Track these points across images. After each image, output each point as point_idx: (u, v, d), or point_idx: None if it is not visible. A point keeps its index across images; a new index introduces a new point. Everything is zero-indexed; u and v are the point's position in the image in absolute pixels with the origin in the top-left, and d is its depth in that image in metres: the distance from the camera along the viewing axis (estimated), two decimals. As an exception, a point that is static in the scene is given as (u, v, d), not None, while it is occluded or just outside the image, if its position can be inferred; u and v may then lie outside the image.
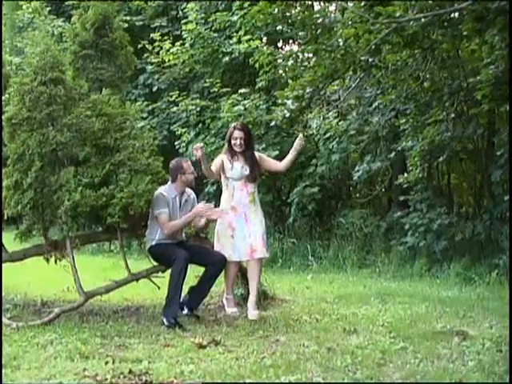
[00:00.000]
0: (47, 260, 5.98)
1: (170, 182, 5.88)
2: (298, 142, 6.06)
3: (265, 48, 11.19)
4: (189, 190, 6.01)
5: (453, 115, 9.15)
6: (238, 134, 6.05)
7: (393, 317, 5.75)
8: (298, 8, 8.74)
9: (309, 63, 8.81)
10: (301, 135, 6.23)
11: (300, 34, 8.97)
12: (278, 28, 12.13)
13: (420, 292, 7.28)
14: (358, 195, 11.44)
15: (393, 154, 9.94)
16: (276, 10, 8.19)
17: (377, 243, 9.98)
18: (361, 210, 10.62)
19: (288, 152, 6.20)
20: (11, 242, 6.02)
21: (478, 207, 9.67)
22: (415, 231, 9.22)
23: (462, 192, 10.89)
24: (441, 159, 9.27)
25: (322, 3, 10.68)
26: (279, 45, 13.25)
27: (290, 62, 9.28)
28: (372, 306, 6.33)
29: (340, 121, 10.50)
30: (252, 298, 5.92)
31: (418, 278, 8.62)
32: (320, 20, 7.95)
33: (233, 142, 6.06)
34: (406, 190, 9.91)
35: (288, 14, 8.63)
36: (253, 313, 5.80)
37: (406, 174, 9.71)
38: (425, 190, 9.82)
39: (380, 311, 6.08)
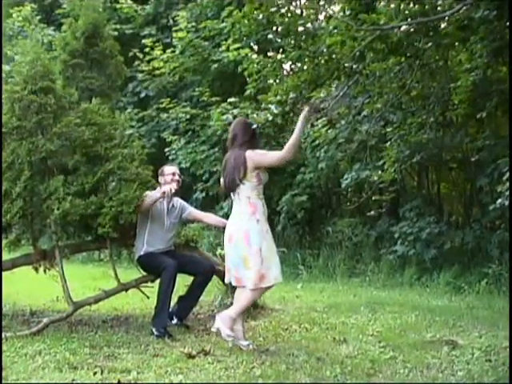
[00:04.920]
0: (36, 269, 5.95)
1: (158, 187, 5.91)
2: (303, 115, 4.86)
3: (254, 56, 11.20)
4: (176, 198, 6.03)
5: (432, 119, 9.18)
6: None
7: (382, 326, 5.76)
8: (282, 12, 8.70)
9: (291, 70, 8.81)
10: (307, 108, 4.92)
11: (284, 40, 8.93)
12: (268, 37, 12.14)
13: (410, 301, 7.30)
14: (348, 204, 11.44)
15: (381, 162, 9.96)
16: (261, 15, 8.15)
17: (366, 252, 9.99)
18: (350, 219, 10.63)
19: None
20: (0, 252, 6.00)
21: (467, 216, 9.71)
22: (405, 240, 9.24)
23: (452, 201, 10.93)
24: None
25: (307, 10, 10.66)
26: (270, 54, 13.27)
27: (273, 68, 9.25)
28: (362, 316, 6.34)
29: (329, 129, 10.52)
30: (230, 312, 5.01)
31: (407, 286, 8.64)
32: (304, 27, 7.97)
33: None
34: (395, 198, 9.92)
35: (273, 20, 8.58)
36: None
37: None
38: (414, 198, 9.85)
39: (370, 320, 6.09)
